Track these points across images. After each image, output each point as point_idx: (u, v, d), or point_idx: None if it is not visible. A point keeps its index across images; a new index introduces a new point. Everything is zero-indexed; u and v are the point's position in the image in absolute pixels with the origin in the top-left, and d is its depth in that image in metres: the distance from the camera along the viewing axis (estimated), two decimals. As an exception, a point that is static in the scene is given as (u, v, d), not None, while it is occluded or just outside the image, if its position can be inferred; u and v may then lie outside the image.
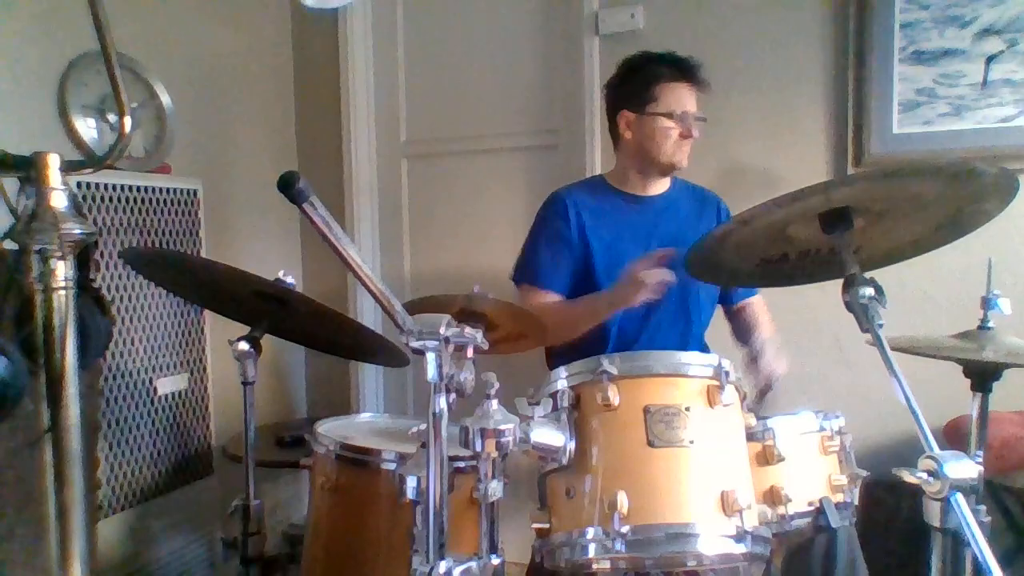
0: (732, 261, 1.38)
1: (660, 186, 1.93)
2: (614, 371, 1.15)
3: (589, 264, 1.84)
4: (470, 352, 1.01)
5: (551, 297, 1.84)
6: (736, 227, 1.23)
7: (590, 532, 1.11)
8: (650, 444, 1.12)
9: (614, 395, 1.14)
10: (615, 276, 1.81)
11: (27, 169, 0.95)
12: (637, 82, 1.84)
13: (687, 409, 1.14)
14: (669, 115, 1.78)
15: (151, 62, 2.30)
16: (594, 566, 1.13)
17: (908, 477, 0.96)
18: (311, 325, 1.79)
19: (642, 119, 1.82)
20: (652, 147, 1.82)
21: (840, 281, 1.15)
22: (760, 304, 1.99)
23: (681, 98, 1.80)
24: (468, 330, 1.00)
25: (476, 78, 2.76)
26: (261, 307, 1.62)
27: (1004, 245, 1.93)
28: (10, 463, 1.46)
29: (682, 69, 1.82)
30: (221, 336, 1.93)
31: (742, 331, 1.91)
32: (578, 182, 1.99)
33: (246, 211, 2.73)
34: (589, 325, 1.74)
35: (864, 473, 1.38)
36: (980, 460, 1.26)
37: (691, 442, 1.13)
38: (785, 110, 2.33)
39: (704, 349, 1.91)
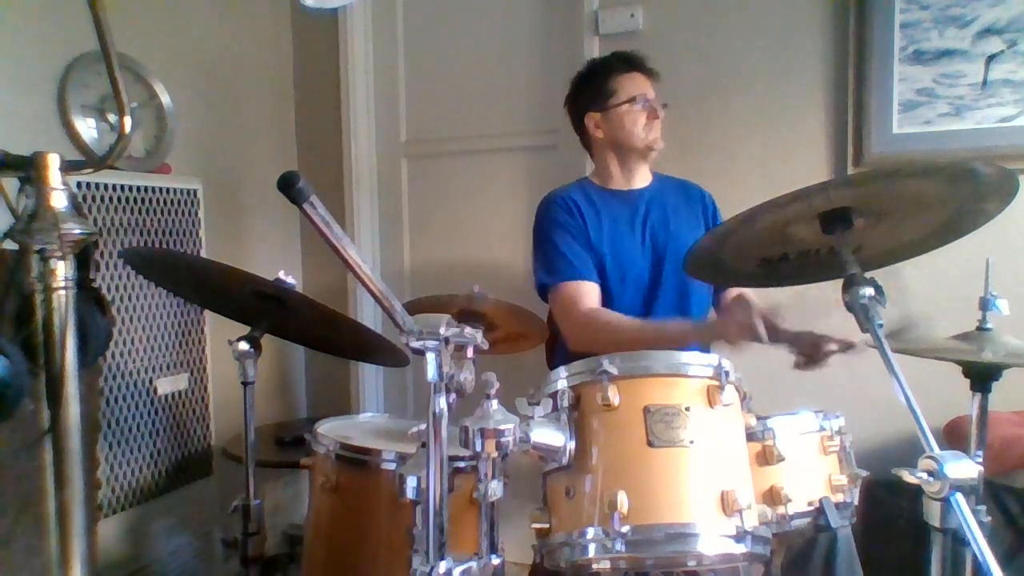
0: (732, 261, 1.38)
1: (643, 179, 1.95)
2: (614, 371, 1.14)
3: (598, 260, 1.84)
4: (470, 352, 1.01)
5: (591, 289, 1.80)
6: (736, 227, 1.23)
7: (590, 532, 1.10)
8: (650, 444, 1.12)
9: (614, 395, 1.13)
10: (623, 270, 1.84)
11: (27, 169, 0.95)
12: (594, 83, 1.91)
13: (687, 409, 1.14)
14: (632, 100, 1.85)
15: (151, 62, 2.30)
16: (594, 566, 1.13)
17: (908, 477, 0.96)
18: (311, 325, 1.79)
19: (608, 114, 1.88)
20: (624, 136, 1.87)
21: (840, 281, 1.15)
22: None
23: (638, 84, 1.87)
24: (468, 330, 1.00)
25: (476, 78, 2.76)
26: (261, 307, 1.62)
27: (1004, 245, 1.93)
28: (10, 463, 1.46)
29: (631, 60, 1.91)
30: (221, 336, 1.93)
31: None
32: (566, 185, 1.99)
33: (246, 211, 2.73)
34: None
35: (864, 473, 1.38)
36: (980, 460, 1.27)
37: (691, 442, 1.12)
38: (785, 110, 2.33)
39: (704, 349, 1.91)
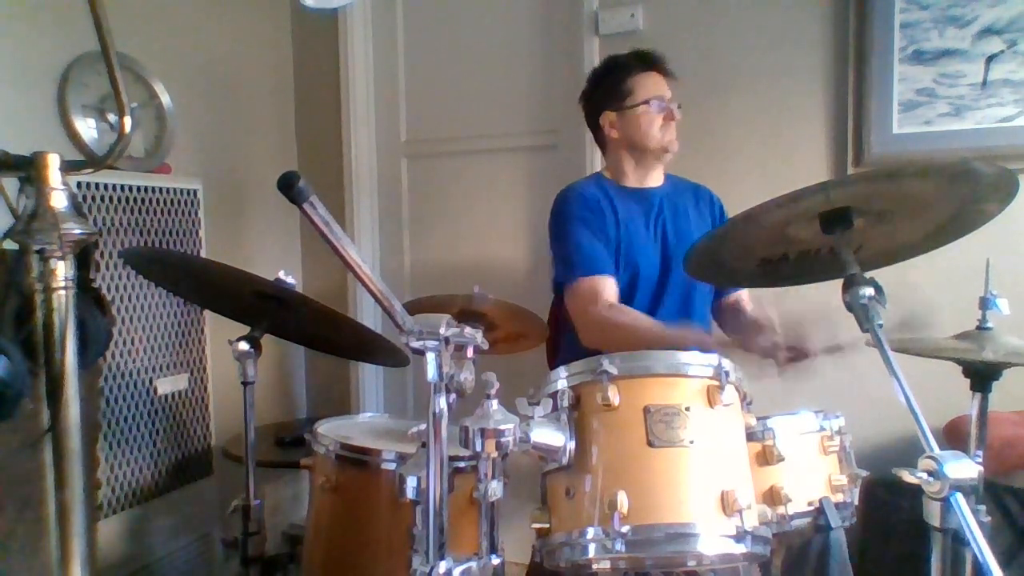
0: (732, 261, 1.38)
1: (656, 179, 1.95)
2: (614, 371, 1.14)
3: (614, 256, 1.83)
4: (470, 352, 1.01)
5: (610, 284, 1.78)
6: (736, 227, 1.23)
7: (590, 532, 1.10)
8: (650, 444, 1.12)
9: (614, 395, 1.13)
10: (635, 269, 1.83)
11: (27, 169, 0.95)
12: (611, 82, 1.90)
13: (687, 409, 1.14)
14: (648, 101, 1.84)
15: (151, 62, 2.30)
16: (594, 566, 1.13)
17: (908, 477, 0.95)
18: (311, 325, 1.79)
19: (624, 113, 1.87)
20: (640, 136, 1.86)
21: (840, 281, 1.15)
22: (747, 295, 1.98)
23: (655, 84, 1.87)
24: (468, 330, 1.00)
25: (476, 78, 2.76)
26: (261, 307, 1.62)
27: (1004, 245, 1.92)
28: (10, 463, 1.46)
29: (649, 59, 1.89)
30: (221, 336, 1.93)
31: (732, 320, 1.91)
32: (581, 180, 1.99)
33: (246, 211, 2.73)
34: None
35: (864, 473, 1.38)
36: (980, 460, 1.27)
37: (691, 442, 1.12)
38: (785, 110, 2.33)
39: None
